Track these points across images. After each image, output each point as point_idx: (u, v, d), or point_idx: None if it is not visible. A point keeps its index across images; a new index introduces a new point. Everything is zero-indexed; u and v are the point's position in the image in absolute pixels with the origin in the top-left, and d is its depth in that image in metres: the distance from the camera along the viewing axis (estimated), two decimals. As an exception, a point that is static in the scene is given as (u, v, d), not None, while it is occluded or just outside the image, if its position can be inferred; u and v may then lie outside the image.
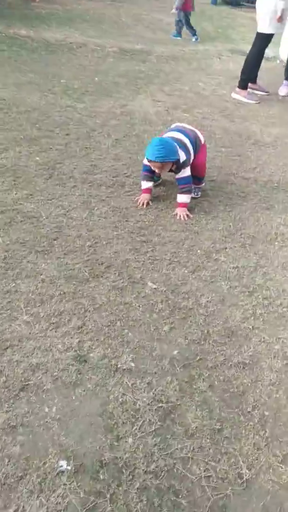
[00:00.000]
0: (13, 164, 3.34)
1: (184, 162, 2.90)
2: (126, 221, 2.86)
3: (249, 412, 1.76)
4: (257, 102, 5.04)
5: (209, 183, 3.37)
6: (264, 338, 2.10)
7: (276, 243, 2.79)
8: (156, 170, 2.94)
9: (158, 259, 2.56)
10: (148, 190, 3.06)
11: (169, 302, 2.25)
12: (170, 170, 2.97)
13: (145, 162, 2.98)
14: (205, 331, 2.10)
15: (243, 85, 5.05)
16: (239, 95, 5.09)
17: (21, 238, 2.58)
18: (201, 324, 2.14)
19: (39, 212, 2.86)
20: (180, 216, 2.94)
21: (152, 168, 2.93)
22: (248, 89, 5.13)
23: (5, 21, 7.53)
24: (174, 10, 7.67)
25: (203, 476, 1.54)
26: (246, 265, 2.57)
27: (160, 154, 2.80)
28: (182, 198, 2.99)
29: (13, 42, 6.49)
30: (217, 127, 4.35)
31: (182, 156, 2.88)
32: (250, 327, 2.16)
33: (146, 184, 3.06)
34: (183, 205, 2.98)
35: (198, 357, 1.97)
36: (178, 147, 2.88)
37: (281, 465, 1.58)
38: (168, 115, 4.54)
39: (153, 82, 5.42)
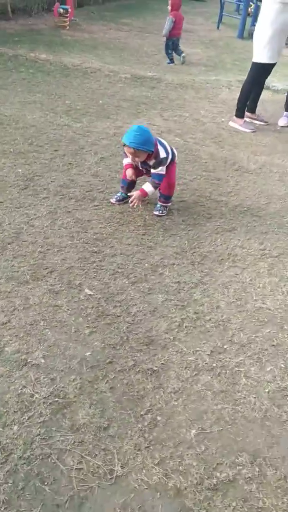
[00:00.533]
0: (-7, 173, 3.53)
1: (163, 158, 3.02)
2: (85, 232, 2.98)
3: (141, 415, 1.81)
4: (252, 131, 5.13)
5: (178, 203, 3.46)
6: (181, 349, 2.15)
7: (227, 263, 2.84)
8: (129, 157, 3.05)
9: (103, 269, 2.65)
10: (129, 165, 3.17)
11: (99, 308, 2.34)
12: (148, 166, 3.08)
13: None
14: (125, 338, 2.17)
15: (239, 114, 5.15)
16: (235, 124, 5.20)
17: (-25, 239, 2.72)
18: (123, 331, 2.21)
19: (4, 218, 3.01)
20: (133, 200, 3.11)
21: (127, 154, 3.04)
22: (245, 119, 5.23)
23: (31, 46, 7.92)
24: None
25: (74, 468, 1.60)
26: (188, 281, 2.63)
27: (135, 141, 2.89)
28: (148, 187, 3.13)
29: (32, 65, 6.82)
30: (204, 152, 4.45)
31: (162, 153, 3.01)
32: (171, 337, 2.21)
33: (127, 160, 3.18)
34: (144, 193, 3.12)
35: (109, 360, 2.03)
36: (158, 143, 3.01)
37: (155, 467, 1.63)
38: (160, 136, 4.66)
39: (155, 107, 5.59)
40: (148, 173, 3.20)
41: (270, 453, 1.71)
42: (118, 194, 3.38)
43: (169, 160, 3.11)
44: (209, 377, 2.01)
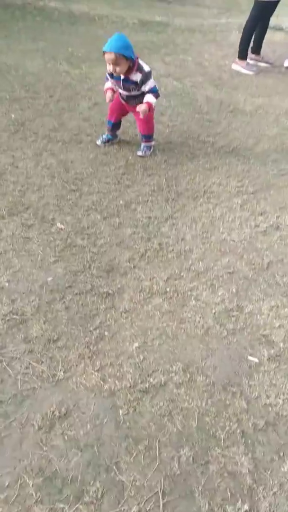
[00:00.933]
0: (-15, 119, 3.65)
1: (148, 72, 2.98)
2: (66, 172, 3.09)
3: (90, 331, 1.97)
4: (255, 72, 5.04)
5: (164, 144, 3.51)
6: (139, 275, 2.28)
7: (201, 200, 2.92)
8: (110, 67, 2.92)
9: (78, 205, 2.77)
10: (110, 88, 3.13)
11: (68, 240, 2.48)
12: (132, 84, 3.00)
13: (107, 74, 3.09)
14: (87, 266, 2.32)
15: (241, 56, 5.06)
16: (238, 66, 5.12)
17: None
18: (87, 260, 2.35)
19: (-11, 160, 3.15)
20: (141, 108, 3.03)
21: (107, 63, 2.92)
22: (249, 60, 5.13)
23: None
24: None
25: (21, 372, 1.78)
26: (159, 216, 2.73)
27: (115, 45, 2.81)
28: (150, 97, 3.05)
29: (39, 13, 6.79)
30: (201, 95, 4.43)
31: (146, 67, 2.98)
32: (132, 266, 2.34)
33: (108, 84, 3.14)
34: (149, 104, 3.05)
35: (68, 285, 2.19)
36: (139, 60, 2.96)
37: (94, 373, 1.79)
38: (157, 82, 4.65)
39: (158, 52, 5.53)
40: (131, 101, 3.16)
41: (204, 363, 1.85)
42: (104, 136, 3.45)
43: (152, 77, 3.05)
44: (161, 300, 2.14)
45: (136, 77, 2.98)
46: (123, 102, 3.26)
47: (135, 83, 3.01)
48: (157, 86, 3.11)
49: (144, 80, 3.00)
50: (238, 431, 1.62)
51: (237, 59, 5.11)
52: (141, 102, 3.09)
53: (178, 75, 4.87)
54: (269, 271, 2.36)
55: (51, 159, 3.22)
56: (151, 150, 3.38)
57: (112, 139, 3.44)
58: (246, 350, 1.92)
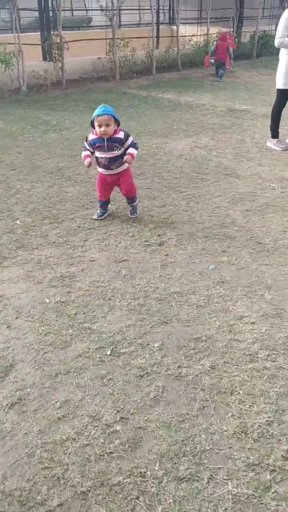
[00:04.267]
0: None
1: (128, 133, 3.72)
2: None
3: None
4: (283, 149, 5.88)
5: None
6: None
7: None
8: (102, 129, 3.51)
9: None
10: (87, 156, 3.72)
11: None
12: (115, 142, 3.60)
13: (85, 144, 3.74)
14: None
15: (272, 135, 5.98)
16: (270, 143, 6.03)
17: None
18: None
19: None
20: (127, 159, 3.71)
21: (99, 127, 3.52)
22: (280, 138, 6.00)
23: (166, 89, 9.81)
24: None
25: None
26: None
27: (107, 109, 3.52)
28: (132, 150, 3.72)
29: (151, 102, 8.67)
30: (214, 161, 5.49)
31: (126, 131, 3.74)
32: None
33: (85, 152, 3.75)
34: (132, 155, 3.71)
35: None
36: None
37: None
38: (191, 150, 5.89)
39: (217, 131, 6.73)
40: (114, 165, 3.75)
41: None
42: (98, 212, 4.01)
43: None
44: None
45: (120, 135, 3.65)
46: (106, 174, 3.83)
47: (120, 140, 3.64)
48: (132, 139, 3.74)
49: (127, 136, 3.69)
50: None
51: (270, 138, 6.03)
52: (122, 164, 3.77)
53: (212, 147, 6.00)
54: None
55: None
56: (137, 211, 4.03)
57: (106, 212, 4.03)
58: None
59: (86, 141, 3.76)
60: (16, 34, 9.08)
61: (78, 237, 3.74)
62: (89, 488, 1.81)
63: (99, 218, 3.99)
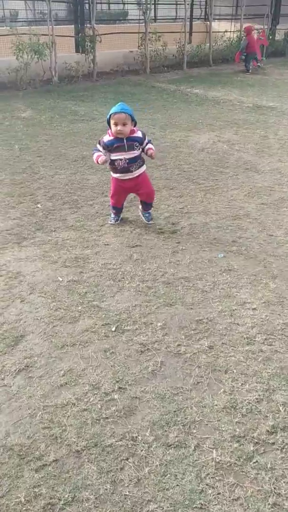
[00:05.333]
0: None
1: (144, 133, 3.62)
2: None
3: None
4: (306, 146, 5.91)
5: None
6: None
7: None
8: (118, 128, 3.36)
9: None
10: (99, 156, 3.53)
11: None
12: (133, 141, 3.46)
13: (98, 146, 3.56)
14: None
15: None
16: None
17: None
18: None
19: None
20: (149, 151, 3.58)
21: (115, 125, 3.38)
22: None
23: (195, 84, 9.87)
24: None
25: None
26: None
27: (125, 107, 3.40)
28: (150, 145, 3.60)
29: (179, 96, 8.74)
30: (233, 156, 5.57)
31: (143, 132, 3.62)
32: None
33: (97, 153, 3.56)
34: (152, 150, 3.59)
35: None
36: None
37: None
38: (213, 144, 5.97)
39: (242, 126, 6.78)
40: (133, 167, 3.57)
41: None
42: (114, 216, 3.87)
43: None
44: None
45: (139, 134, 3.54)
46: (123, 179, 3.64)
47: (139, 139, 3.53)
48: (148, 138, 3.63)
49: (144, 135, 3.59)
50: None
51: (294, 134, 6.06)
52: (141, 166, 3.64)
53: (235, 142, 6.06)
54: None
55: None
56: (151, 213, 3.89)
57: (120, 218, 3.89)
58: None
59: (100, 144, 3.56)
60: (50, 26, 9.27)
61: (95, 222, 3.89)
62: (83, 448, 1.94)
63: (116, 222, 3.85)
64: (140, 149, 3.59)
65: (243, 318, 2.71)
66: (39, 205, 4.19)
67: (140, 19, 11.36)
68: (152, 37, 10.93)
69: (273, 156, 5.57)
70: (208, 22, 12.87)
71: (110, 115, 3.43)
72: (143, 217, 3.91)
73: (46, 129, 6.58)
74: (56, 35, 9.47)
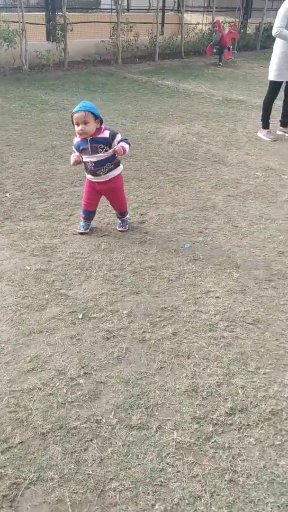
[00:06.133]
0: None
1: (115, 131, 3.24)
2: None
3: None
4: (272, 140, 6.03)
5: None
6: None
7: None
8: (79, 127, 3.06)
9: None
10: (76, 156, 3.28)
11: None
12: (101, 142, 3.15)
13: (73, 148, 3.31)
14: None
15: (263, 125, 6.13)
16: (260, 134, 6.18)
17: None
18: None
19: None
20: (117, 148, 3.20)
21: (76, 125, 3.09)
22: (278, 131, 6.17)
23: (166, 76, 9.91)
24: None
25: None
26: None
27: (84, 105, 3.07)
28: (124, 144, 3.23)
29: (151, 88, 8.76)
30: (204, 148, 5.65)
31: (113, 129, 3.25)
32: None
33: (73, 153, 3.31)
34: (124, 148, 3.21)
35: None
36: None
37: None
38: (183, 136, 6.04)
39: (211, 119, 6.87)
40: (100, 171, 3.30)
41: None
42: (82, 224, 3.54)
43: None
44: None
45: (105, 134, 3.17)
46: (94, 181, 3.39)
47: (104, 140, 3.18)
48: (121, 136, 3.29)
49: (113, 135, 3.21)
50: None
51: (260, 128, 6.18)
52: (111, 170, 3.32)
53: (204, 134, 6.14)
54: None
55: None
56: (128, 224, 3.64)
57: (90, 225, 3.59)
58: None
59: (74, 145, 3.33)
60: (21, 13, 9.14)
61: (64, 212, 3.92)
62: (48, 430, 2.00)
63: (86, 231, 3.54)
64: (109, 152, 3.24)
65: (207, 306, 2.80)
66: (7, 195, 4.19)
67: (112, 9, 11.30)
68: (124, 27, 10.90)
69: (240, 149, 5.68)
70: (180, 14, 12.89)
71: (72, 115, 3.13)
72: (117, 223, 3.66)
73: (15, 118, 6.53)
74: (27, 23, 9.36)
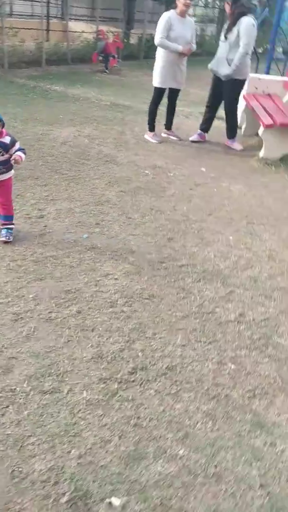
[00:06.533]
0: None
1: (14, 139, 3.32)
2: None
3: None
4: (158, 141, 6.49)
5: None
6: None
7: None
8: None
9: None
10: None
11: None
12: (1, 147, 3.23)
13: None
14: None
15: (149, 129, 6.58)
16: (147, 136, 6.61)
17: None
18: None
19: None
20: (15, 158, 3.28)
21: None
22: (163, 134, 6.64)
23: (55, 81, 10.06)
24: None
25: None
26: None
27: None
28: (19, 153, 3.31)
29: (40, 92, 8.86)
30: (95, 149, 5.92)
31: (13, 136, 3.33)
32: None
33: None
34: (21, 157, 3.31)
35: None
36: None
37: None
38: (75, 138, 6.25)
39: (101, 123, 7.17)
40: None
41: None
42: None
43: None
44: None
45: (6, 140, 3.26)
46: None
47: (4, 145, 3.26)
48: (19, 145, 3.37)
49: (13, 142, 3.30)
50: None
51: (147, 131, 6.61)
52: (2, 173, 3.38)
53: (94, 136, 6.42)
54: None
55: None
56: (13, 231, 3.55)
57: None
58: None
59: None
60: None
61: None
62: None
63: None
64: (4, 156, 3.30)
65: (107, 286, 3.07)
66: None
67: (-4, 13, 11.18)
68: (8, 32, 10.86)
69: (129, 150, 6.05)
70: (65, 22, 13.10)
71: None
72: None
73: None
74: None
